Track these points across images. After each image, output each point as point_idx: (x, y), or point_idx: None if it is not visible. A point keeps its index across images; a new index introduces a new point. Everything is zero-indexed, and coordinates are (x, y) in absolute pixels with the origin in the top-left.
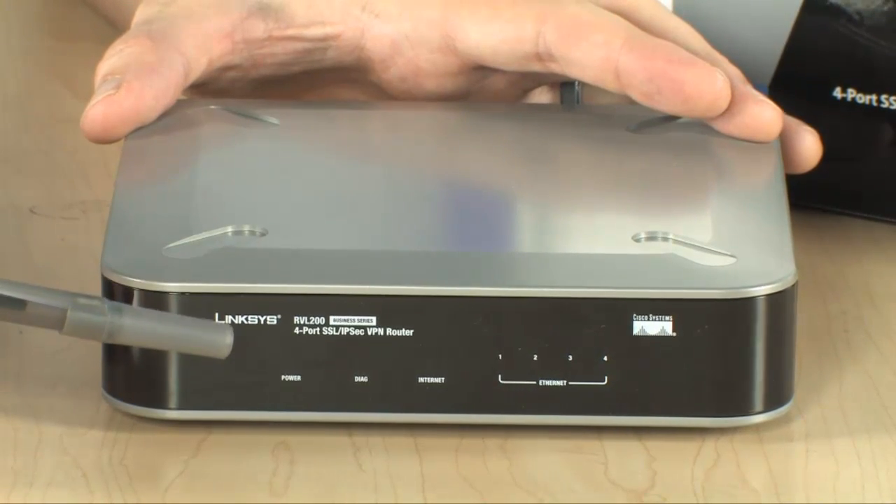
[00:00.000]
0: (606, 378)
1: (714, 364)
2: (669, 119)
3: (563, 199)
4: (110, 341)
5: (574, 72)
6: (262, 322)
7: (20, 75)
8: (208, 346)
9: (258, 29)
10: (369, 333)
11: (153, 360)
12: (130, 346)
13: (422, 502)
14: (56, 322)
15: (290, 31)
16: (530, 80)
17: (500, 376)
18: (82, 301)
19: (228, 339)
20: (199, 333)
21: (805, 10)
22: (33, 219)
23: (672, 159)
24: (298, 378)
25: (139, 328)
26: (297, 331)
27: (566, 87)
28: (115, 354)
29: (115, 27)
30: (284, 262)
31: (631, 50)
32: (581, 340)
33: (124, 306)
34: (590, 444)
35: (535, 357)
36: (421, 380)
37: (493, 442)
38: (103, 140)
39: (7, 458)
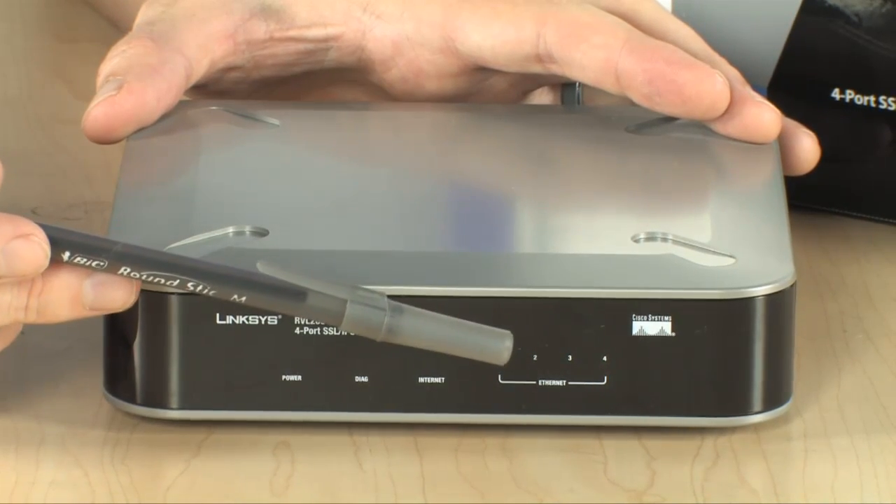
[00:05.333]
0: (606, 378)
1: (713, 364)
2: (669, 120)
3: (563, 200)
4: (387, 340)
5: (574, 73)
6: (262, 322)
7: (22, 76)
8: (487, 352)
9: (260, 30)
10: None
11: (154, 360)
12: (132, 346)
13: (422, 502)
14: (335, 317)
15: (292, 33)
16: (531, 82)
17: (499, 376)
18: (363, 294)
19: (508, 343)
20: (478, 338)
21: (803, 12)
22: (35, 219)
23: (672, 160)
24: (299, 378)
25: (418, 329)
26: (297, 331)
27: (567, 88)
28: (117, 354)
29: (117, 28)
30: (285, 262)
31: (631, 52)
32: (580, 340)
33: (404, 306)
34: (589, 444)
35: (535, 357)
36: (421, 380)
37: (493, 441)
38: (105, 141)
39: (9, 457)
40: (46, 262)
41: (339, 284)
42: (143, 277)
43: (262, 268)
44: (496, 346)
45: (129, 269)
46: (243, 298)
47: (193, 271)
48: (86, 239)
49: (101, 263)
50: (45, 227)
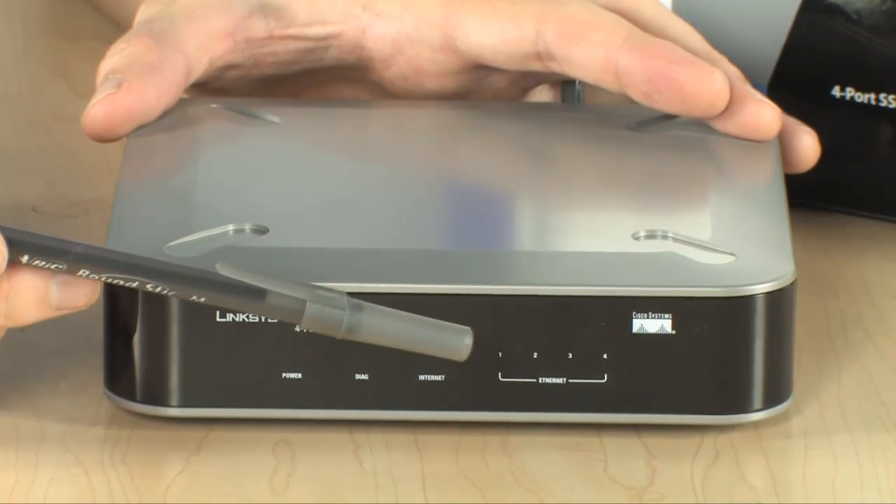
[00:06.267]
0: (606, 376)
1: (713, 362)
2: (669, 118)
3: (563, 198)
4: (347, 338)
5: (574, 71)
6: (262, 320)
7: (22, 74)
8: (447, 348)
9: (259, 28)
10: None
11: (155, 357)
12: (133, 343)
13: (422, 499)
14: (295, 315)
15: (292, 31)
16: (531, 79)
17: (500, 374)
18: (322, 293)
19: (468, 340)
20: (439, 335)
21: (803, 10)
22: (36, 218)
23: (672, 158)
24: (299, 376)
25: (378, 326)
26: (297, 328)
27: (567, 86)
28: (117, 352)
29: (117, 26)
30: (285, 260)
31: (630, 50)
32: (581, 338)
33: (364, 303)
34: (589, 442)
35: (535, 355)
36: (421, 377)
37: (493, 439)
38: (104, 139)
39: (9, 455)
40: (3, 265)
41: (299, 284)
42: (103, 279)
43: (222, 269)
44: (456, 342)
45: (88, 272)
46: (202, 299)
47: (152, 272)
48: (45, 241)
49: (61, 266)
50: (3, 230)
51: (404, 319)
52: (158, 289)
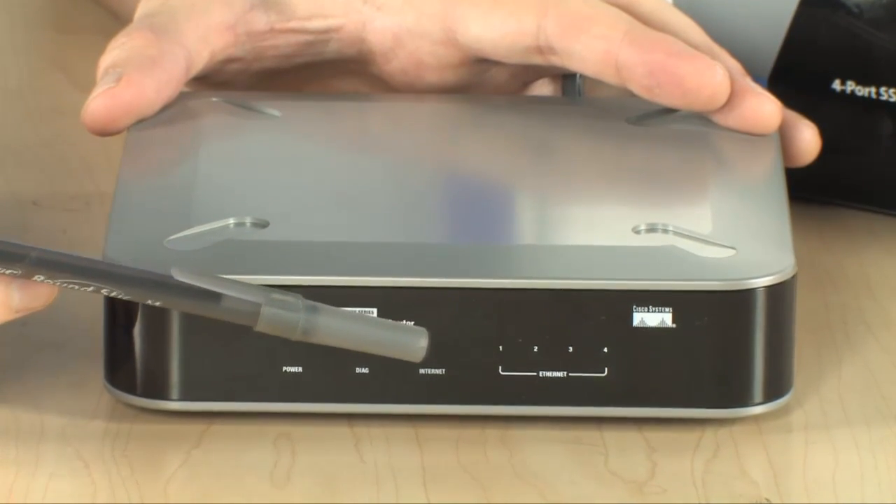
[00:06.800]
0: (606, 369)
1: (714, 355)
2: (669, 111)
3: (564, 191)
4: (303, 339)
5: (574, 65)
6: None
7: (23, 68)
8: (403, 349)
9: (260, 21)
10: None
11: (155, 351)
12: (133, 337)
13: (422, 493)
14: (250, 318)
15: (292, 24)
16: (531, 73)
17: (500, 368)
18: (277, 297)
19: (423, 342)
20: (394, 336)
21: (804, 3)
22: (36, 211)
23: (672, 152)
24: (300, 369)
25: (333, 328)
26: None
27: (567, 80)
28: (117, 345)
29: (117, 20)
30: (286, 253)
31: (631, 43)
32: (581, 332)
33: (319, 305)
34: (590, 435)
35: (536, 348)
36: (422, 371)
37: (493, 433)
38: (104, 132)
39: (9, 449)
40: None
41: (254, 287)
42: (58, 284)
43: (177, 275)
44: (412, 343)
45: (43, 277)
46: (158, 302)
47: (107, 277)
48: (1, 247)
49: (16, 272)
50: None
51: (361, 321)
52: (114, 293)
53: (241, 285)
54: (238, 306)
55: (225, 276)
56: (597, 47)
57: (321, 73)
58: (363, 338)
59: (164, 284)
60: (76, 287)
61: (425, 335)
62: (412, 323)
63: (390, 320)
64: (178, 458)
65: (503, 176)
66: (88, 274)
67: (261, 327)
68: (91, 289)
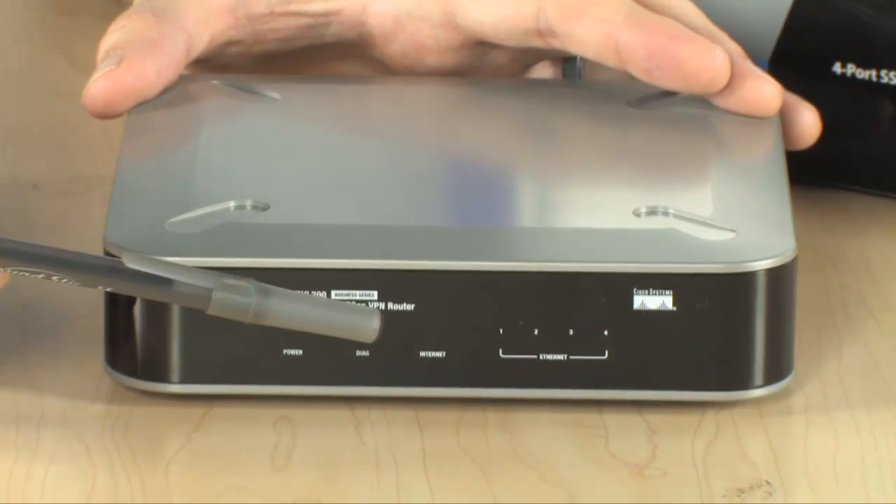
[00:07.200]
0: (607, 352)
1: (714, 338)
2: (669, 94)
3: (564, 174)
4: (256, 322)
5: (574, 48)
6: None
7: (23, 50)
8: (355, 330)
9: (260, 4)
10: (371, 307)
11: (155, 334)
12: (133, 320)
13: (423, 476)
14: (201, 301)
15: (293, 7)
16: (532, 56)
17: (500, 350)
18: (229, 282)
19: (375, 323)
20: (346, 317)
21: None
22: (36, 194)
23: (673, 134)
24: (300, 352)
25: (285, 310)
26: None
27: (568, 63)
28: (118, 328)
29: (117, 3)
30: (286, 236)
31: (631, 26)
32: (582, 315)
33: (271, 288)
34: (590, 418)
35: (536, 331)
36: (422, 354)
37: (494, 416)
38: (105, 115)
39: (9, 432)
40: None
41: (205, 272)
42: (9, 271)
43: (129, 262)
44: (364, 324)
45: None
46: (109, 288)
47: (58, 263)
48: None
49: None
50: None
51: (313, 303)
52: (65, 280)
53: (193, 270)
54: (190, 290)
55: (176, 262)
56: (597, 30)
57: (321, 56)
58: (316, 320)
59: (116, 270)
60: (27, 274)
61: (378, 316)
62: (412, 307)
63: (343, 301)
64: (179, 441)
65: (504, 159)
66: (38, 261)
67: (213, 311)
68: (41, 276)
